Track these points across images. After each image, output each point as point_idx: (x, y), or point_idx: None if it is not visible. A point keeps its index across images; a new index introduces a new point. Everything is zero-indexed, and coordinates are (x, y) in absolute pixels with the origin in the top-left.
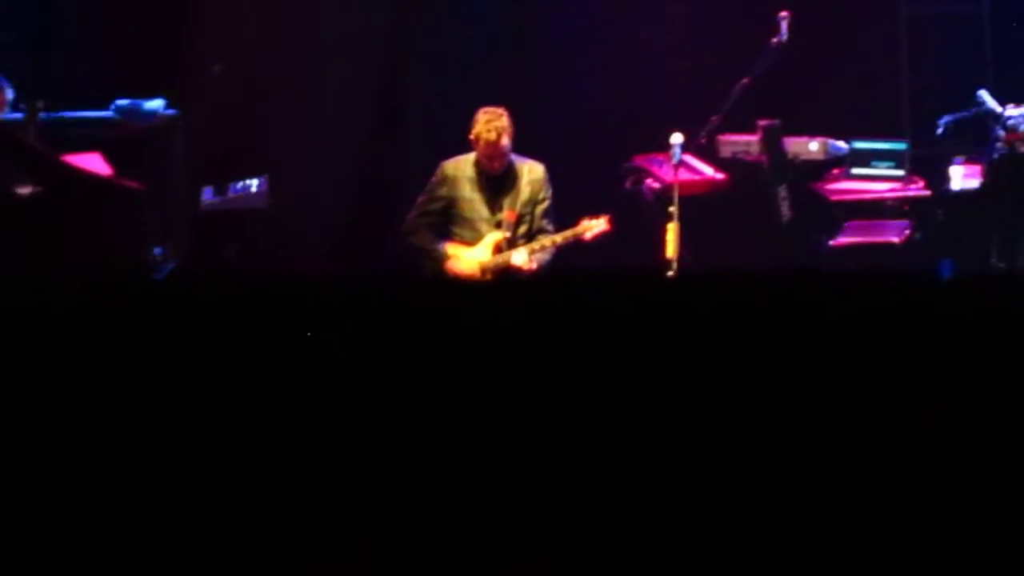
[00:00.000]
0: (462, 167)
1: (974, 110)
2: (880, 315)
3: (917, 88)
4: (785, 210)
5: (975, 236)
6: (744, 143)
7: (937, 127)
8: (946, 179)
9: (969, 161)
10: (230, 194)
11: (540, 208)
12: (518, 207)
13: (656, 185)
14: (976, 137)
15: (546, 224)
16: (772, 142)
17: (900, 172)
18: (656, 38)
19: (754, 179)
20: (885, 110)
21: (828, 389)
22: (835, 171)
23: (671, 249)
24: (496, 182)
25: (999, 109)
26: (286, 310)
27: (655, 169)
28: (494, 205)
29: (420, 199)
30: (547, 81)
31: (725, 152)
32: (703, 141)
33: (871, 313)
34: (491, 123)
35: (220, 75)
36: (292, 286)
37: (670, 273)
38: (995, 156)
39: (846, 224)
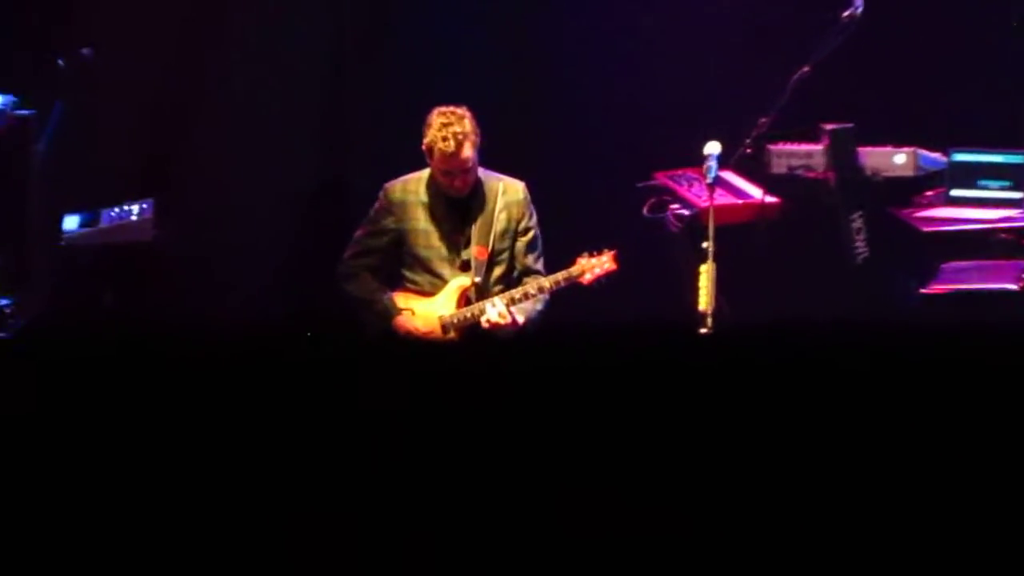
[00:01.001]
0: (413, 189)
1: None
2: (989, 390)
3: None
4: (860, 246)
5: None
6: (804, 154)
7: None
8: None
9: None
10: (103, 223)
11: (522, 241)
12: (491, 241)
13: (685, 212)
14: None
15: (532, 262)
16: (843, 153)
17: (1019, 195)
18: (682, 16)
19: (818, 203)
20: (1000, 112)
21: (914, 489)
22: (929, 193)
23: (705, 298)
24: (460, 208)
25: None
26: (183, 376)
27: (683, 190)
28: (457, 239)
29: (358, 233)
30: (539, 75)
31: (779, 167)
32: (749, 152)
33: (977, 388)
34: (448, 128)
35: (89, 63)
36: (192, 345)
37: (703, 330)
38: None
39: (943, 265)
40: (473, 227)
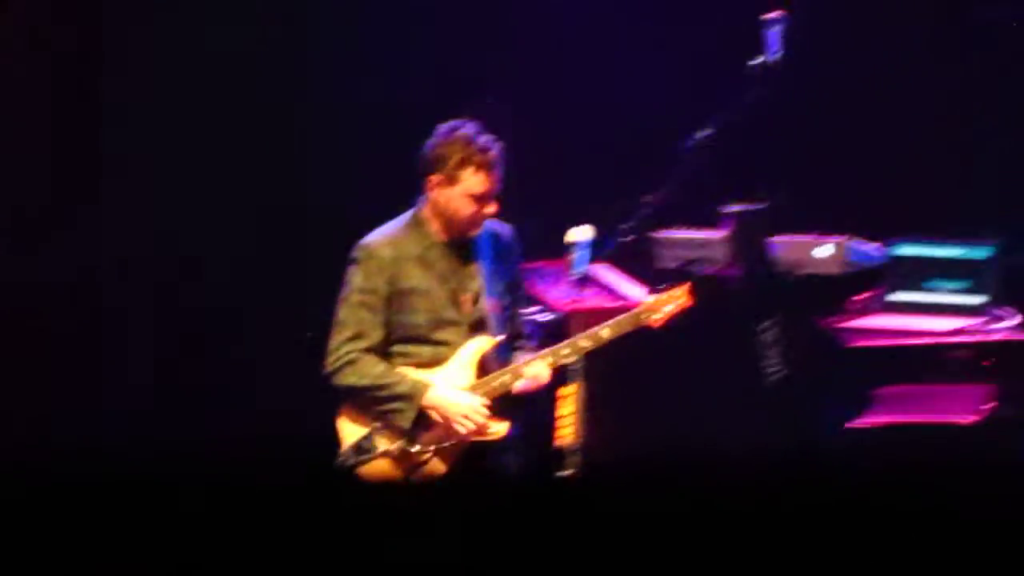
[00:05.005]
0: (400, 243)
1: None
2: (942, 549)
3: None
4: (773, 363)
5: None
6: (701, 243)
7: None
8: None
9: None
10: None
11: (517, 296)
12: (499, 293)
13: (545, 317)
14: None
15: (520, 323)
16: (750, 243)
17: (980, 299)
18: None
19: (717, 307)
20: (955, 191)
21: None
22: (862, 296)
23: (567, 430)
24: (458, 257)
25: None
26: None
27: (542, 289)
28: (461, 296)
29: (343, 313)
30: None
31: (668, 259)
32: (629, 240)
33: (924, 547)
34: (482, 137)
35: None
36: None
37: (566, 472)
38: None
39: (879, 391)
40: (479, 278)
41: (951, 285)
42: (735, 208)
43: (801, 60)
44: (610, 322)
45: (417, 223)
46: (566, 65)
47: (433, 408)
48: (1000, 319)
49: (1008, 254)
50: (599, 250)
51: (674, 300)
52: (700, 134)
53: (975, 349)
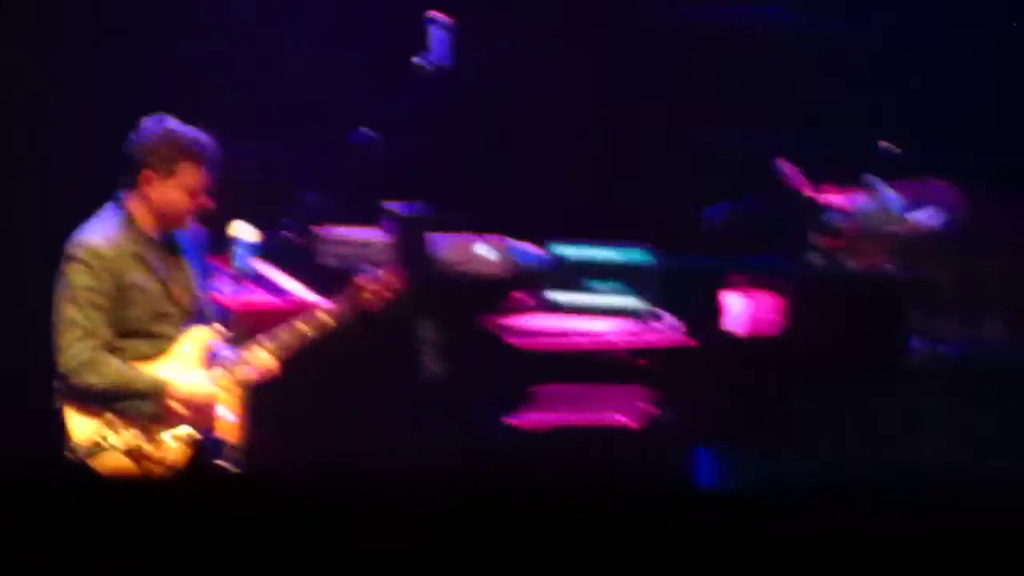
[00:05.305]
0: (116, 240)
1: (766, 194)
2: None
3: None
4: (431, 362)
5: (769, 413)
6: (359, 242)
7: (702, 223)
8: (717, 314)
9: (755, 284)
10: None
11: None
12: (203, 285)
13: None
14: (772, 242)
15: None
16: (410, 242)
17: (635, 301)
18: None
19: (381, 307)
20: (614, 197)
21: None
22: (521, 296)
23: (228, 426)
24: (165, 250)
25: (810, 193)
26: None
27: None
28: (175, 288)
29: (70, 312)
30: None
31: (327, 257)
32: (291, 237)
33: (574, 551)
34: (195, 129)
35: None
36: None
37: (228, 464)
38: (803, 276)
39: (536, 390)
40: (188, 271)
41: (609, 287)
42: (398, 207)
43: (465, 62)
44: (325, 309)
45: (128, 220)
46: (236, 59)
47: (178, 401)
48: (655, 321)
49: (664, 259)
50: (261, 247)
51: (378, 282)
52: (366, 132)
53: (632, 351)
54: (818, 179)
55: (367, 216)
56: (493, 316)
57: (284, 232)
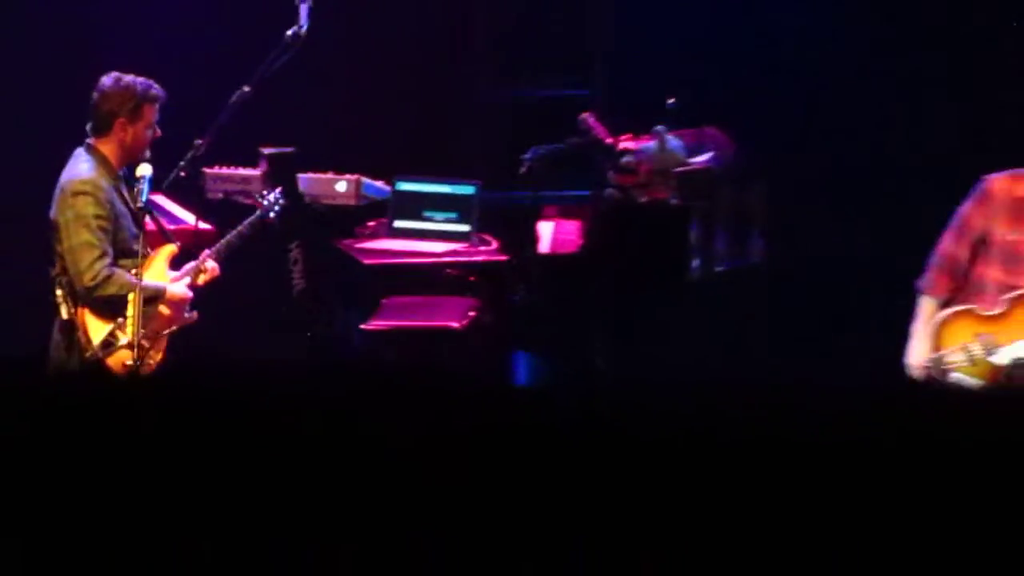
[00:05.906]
0: (99, 174)
1: (574, 140)
2: (417, 447)
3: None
4: (297, 277)
5: (570, 322)
6: (241, 179)
7: (520, 163)
8: (533, 238)
9: (564, 214)
10: None
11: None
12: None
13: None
14: (577, 178)
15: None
16: (282, 179)
17: (465, 227)
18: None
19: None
20: (450, 141)
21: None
22: (372, 223)
23: (131, 327)
24: (128, 183)
25: (609, 140)
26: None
27: None
28: (139, 215)
29: (85, 236)
30: None
31: (215, 191)
32: (183, 175)
33: (404, 443)
34: (150, 82)
35: None
36: None
37: (128, 361)
38: (602, 207)
39: (385, 301)
40: (141, 198)
41: (443, 215)
42: (268, 150)
43: (326, 30)
44: (241, 228)
45: (102, 160)
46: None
47: (172, 302)
48: (482, 244)
49: (489, 192)
50: (159, 183)
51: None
52: (244, 88)
53: (462, 268)
54: (616, 128)
55: (247, 158)
56: (350, 240)
57: (180, 171)
